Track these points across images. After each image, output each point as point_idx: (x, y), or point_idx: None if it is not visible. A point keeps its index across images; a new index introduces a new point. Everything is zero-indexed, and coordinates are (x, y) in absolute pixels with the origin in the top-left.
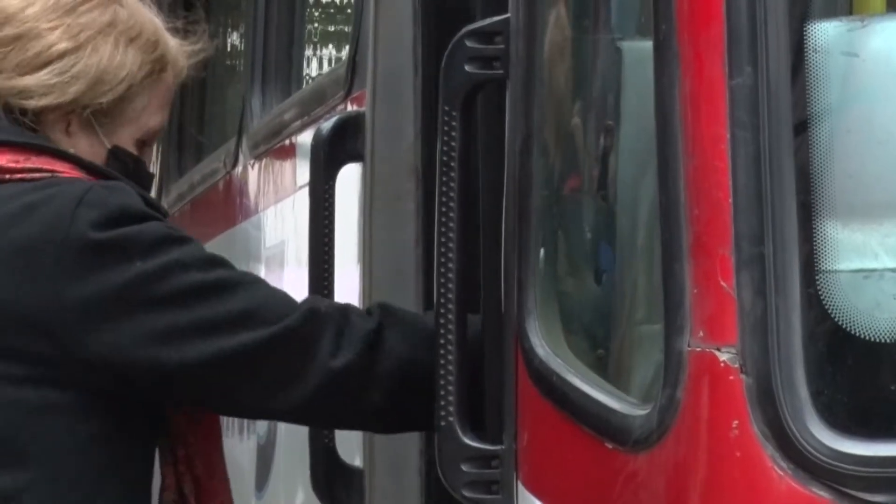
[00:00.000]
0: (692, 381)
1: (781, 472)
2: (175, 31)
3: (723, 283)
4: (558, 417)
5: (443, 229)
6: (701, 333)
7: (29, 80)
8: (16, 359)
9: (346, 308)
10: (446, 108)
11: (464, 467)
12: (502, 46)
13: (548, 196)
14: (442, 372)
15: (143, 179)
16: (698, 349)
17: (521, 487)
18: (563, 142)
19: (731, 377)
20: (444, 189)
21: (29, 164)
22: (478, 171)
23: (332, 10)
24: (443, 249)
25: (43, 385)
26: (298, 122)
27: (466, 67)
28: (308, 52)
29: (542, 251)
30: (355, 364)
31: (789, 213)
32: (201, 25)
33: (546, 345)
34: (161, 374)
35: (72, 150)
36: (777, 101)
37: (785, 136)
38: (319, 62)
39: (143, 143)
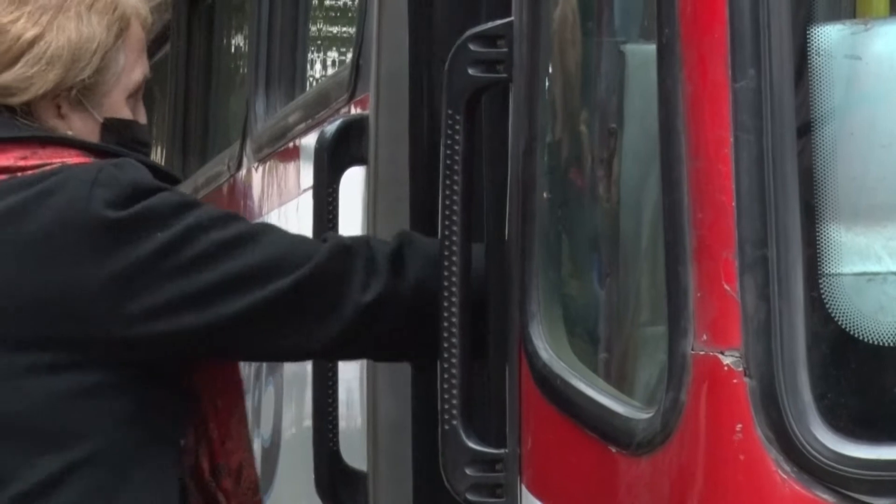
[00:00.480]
0: (695, 385)
1: (785, 476)
2: None
3: (726, 287)
4: (562, 421)
5: (446, 233)
6: (704, 337)
7: (6, 77)
8: (48, 347)
9: (367, 237)
10: (449, 112)
11: (467, 471)
12: (505, 50)
13: (551, 199)
14: (445, 376)
15: (139, 137)
16: (702, 352)
17: (524, 491)
18: (567, 145)
19: (735, 381)
20: (448, 192)
21: (36, 161)
22: (482, 175)
23: (335, 14)
24: (446, 252)
25: (77, 369)
26: (302, 126)
27: (470, 71)
28: (312, 55)
29: (545, 254)
30: (384, 290)
31: (793, 216)
32: None
33: (549, 348)
34: (200, 336)
35: (70, 133)
36: (780, 105)
37: (788, 140)
38: (323, 65)
39: (133, 96)
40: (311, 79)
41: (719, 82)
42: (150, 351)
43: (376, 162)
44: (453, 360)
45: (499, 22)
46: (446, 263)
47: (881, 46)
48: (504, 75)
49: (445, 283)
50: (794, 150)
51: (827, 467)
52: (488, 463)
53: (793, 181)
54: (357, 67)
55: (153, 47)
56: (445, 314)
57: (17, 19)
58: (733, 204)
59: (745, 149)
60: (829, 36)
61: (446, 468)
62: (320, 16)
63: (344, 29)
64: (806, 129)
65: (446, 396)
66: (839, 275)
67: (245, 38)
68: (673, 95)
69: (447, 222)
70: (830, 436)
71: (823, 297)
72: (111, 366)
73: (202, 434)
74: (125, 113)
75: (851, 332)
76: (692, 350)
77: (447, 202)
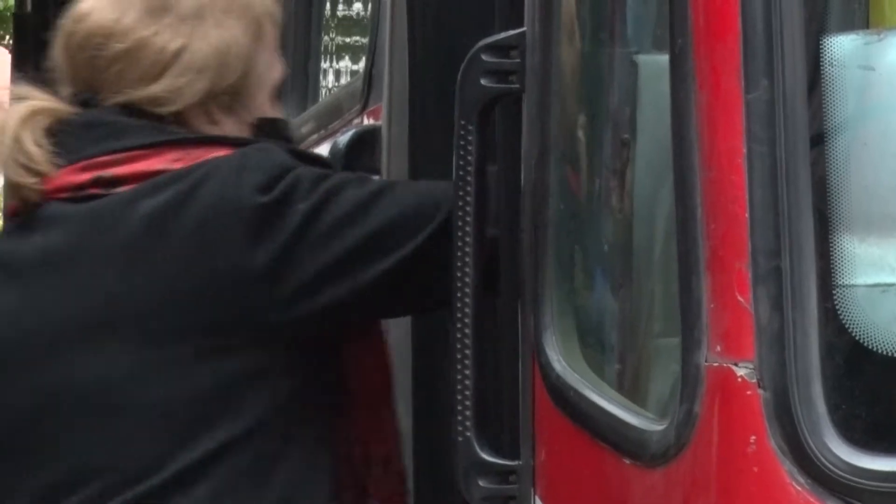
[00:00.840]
0: (709, 396)
1: (799, 488)
2: None
3: (739, 298)
4: (575, 432)
5: (459, 243)
6: (718, 348)
7: (155, 88)
8: (210, 334)
9: None
10: (462, 122)
11: (481, 482)
12: (518, 60)
13: (564, 210)
14: (459, 387)
15: (287, 134)
16: (715, 364)
17: (538, 502)
18: (580, 155)
19: (749, 392)
20: (461, 203)
21: (189, 161)
22: (495, 185)
23: (348, 24)
24: (459, 263)
25: (237, 353)
26: (315, 136)
27: (482, 81)
28: (325, 65)
29: (558, 265)
30: None
31: (806, 227)
32: None
33: (563, 359)
34: (363, 296)
35: None
36: (793, 115)
37: (801, 150)
38: (336, 75)
39: (273, 94)
40: (323, 89)
41: (732, 93)
42: (306, 327)
43: (389, 172)
44: (467, 372)
45: (511, 32)
46: (459, 274)
47: (894, 56)
48: (517, 86)
49: (458, 294)
50: (807, 161)
51: (841, 479)
52: (502, 474)
53: (806, 192)
54: (370, 78)
55: None
56: (459, 325)
57: (158, 32)
58: (746, 215)
59: (759, 159)
60: (842, 46)
61: (459, 479)
62: (333, 26)
63: (357, 39)
64: (819, 140)
65: (460, 408)
66: (853, 286)
67: None
68: (686, 106)
69: (460, 233)
70: (845, 447)
71: (837, 308)
72: (269, 348)
73: (351, 423)
74: (271, 112)
75: (865, 344)
76: (705, 361)
77: (460, 213)
